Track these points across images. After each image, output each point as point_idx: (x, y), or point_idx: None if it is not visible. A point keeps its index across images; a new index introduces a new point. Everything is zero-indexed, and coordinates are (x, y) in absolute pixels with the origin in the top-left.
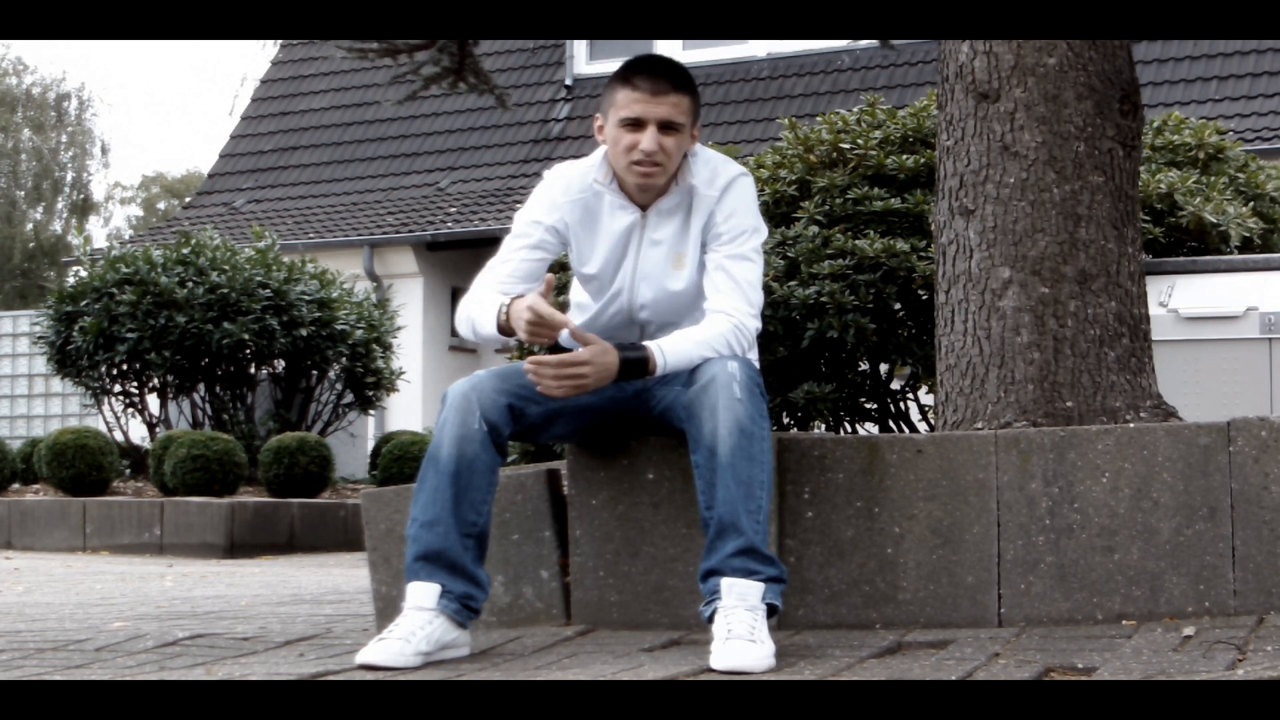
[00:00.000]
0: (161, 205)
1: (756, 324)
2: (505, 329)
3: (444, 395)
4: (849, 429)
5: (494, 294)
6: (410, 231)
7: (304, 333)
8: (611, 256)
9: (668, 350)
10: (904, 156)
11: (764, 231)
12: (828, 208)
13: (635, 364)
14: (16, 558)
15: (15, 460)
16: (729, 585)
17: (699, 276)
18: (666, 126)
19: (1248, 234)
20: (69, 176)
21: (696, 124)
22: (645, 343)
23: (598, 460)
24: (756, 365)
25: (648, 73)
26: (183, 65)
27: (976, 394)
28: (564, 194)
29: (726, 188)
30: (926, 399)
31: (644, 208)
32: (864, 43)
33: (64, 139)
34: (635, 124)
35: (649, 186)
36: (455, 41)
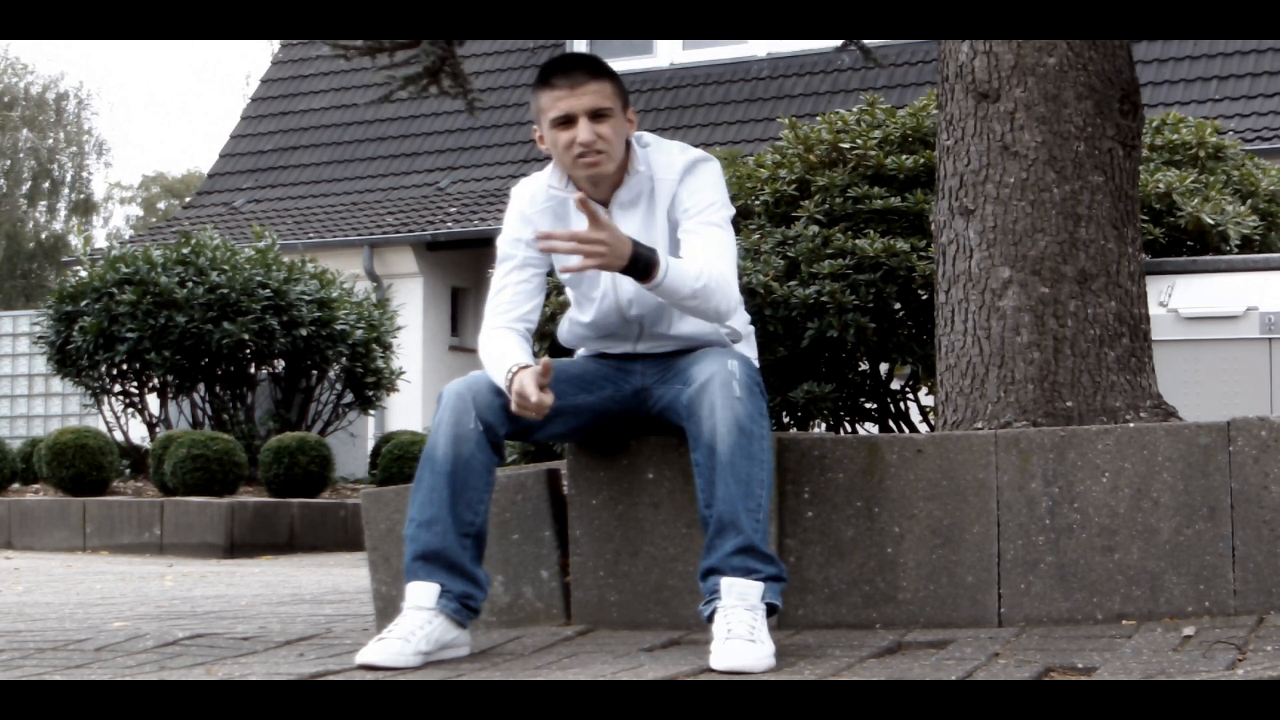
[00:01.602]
0: (161, 205)
1: (735, 284)
2: None
3: (439, 395)
4: (849, 429)
5: (505, 339)
6: (410, 231)
7: (304, 333)
8: None
9: (672, 266)
10: (904, 156)
11: (731, 209)
12: (828, 207)
13: (644, 258)
14: (16, 558)
15: (15, 460)
16: (729, 584)
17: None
18: (596, 115)
19: (1247, 233)
20: (68, 176)
21: (628, 108)
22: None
23: (598, 460)
24: (756, 364)
25: (562, 70)
26: (183, 65)
27: (976, 394)
28: (531, 205)
29: (688, 169)
30: (926, 399)
31: (606, 204)
32: (831, 43)
33: (62, 138)
34: (565, 121)
35: (600, 177)
36: (440, 41)
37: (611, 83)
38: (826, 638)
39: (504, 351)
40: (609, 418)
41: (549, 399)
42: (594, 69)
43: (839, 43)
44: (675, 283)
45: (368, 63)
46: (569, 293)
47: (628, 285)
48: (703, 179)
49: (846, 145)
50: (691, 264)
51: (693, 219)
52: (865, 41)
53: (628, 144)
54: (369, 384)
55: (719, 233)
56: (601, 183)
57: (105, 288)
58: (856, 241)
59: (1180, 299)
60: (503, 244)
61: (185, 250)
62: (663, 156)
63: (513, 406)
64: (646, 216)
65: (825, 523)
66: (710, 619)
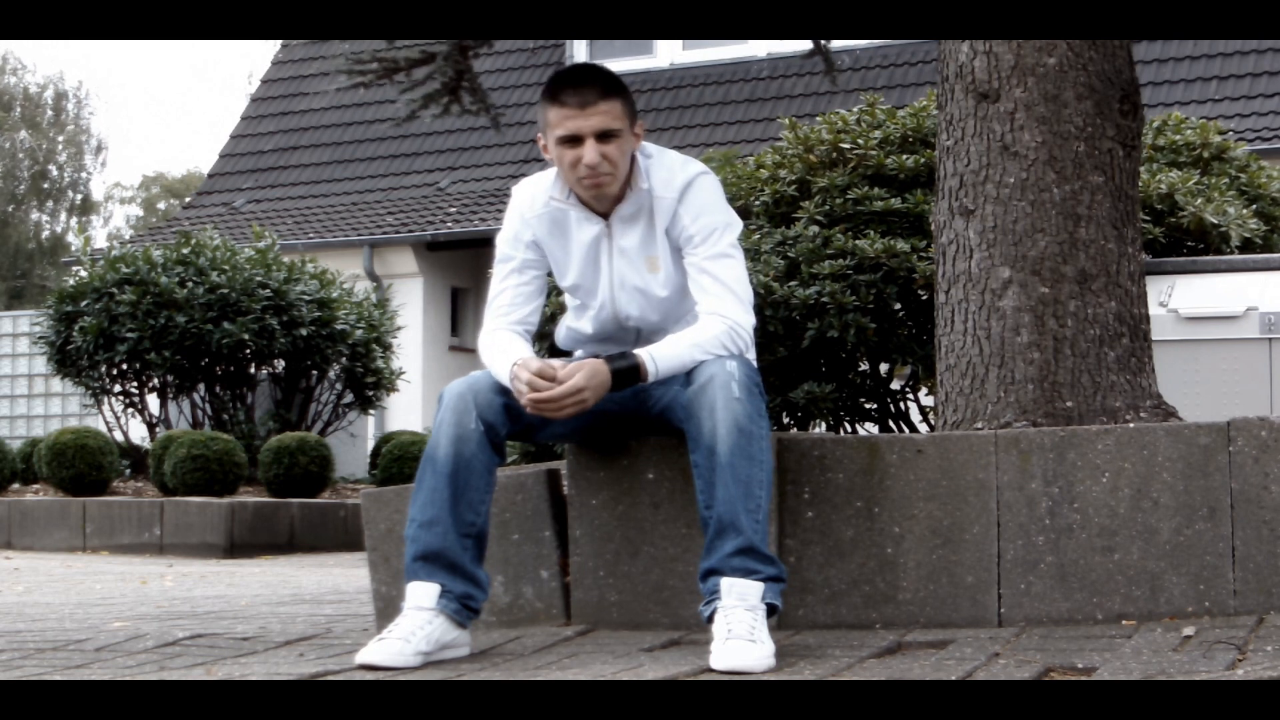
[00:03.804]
0: (161, 205)
1: (751, 320)
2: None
3: (440, 395)
4: (849, 429)
5: (506, 339)
6: (410, 231)
7: (304, 333)
8: (586, 268)
9: (659, 356)
10: (904, 156)
11: (737, 225)
12: (828, 208)
13: (626, 373)
14: (16, 558)
15: (15, 460)
16: (729, 585)
17: (679, 279)
18: (604, 135)
19: (1249, 235)
20: (67, 176)
21: (636, 123)
22: (636, 350)
23: (598, 460)
24: (755, 365)
25: (573, 85)
26: (183, 65)
27: (976, 394)
28: (530, 208)
29: (686, 188)
30: (926, 399)
31: (606, 216)
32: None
33: (60, 138)
34: (572, 140)
35: (603, 195)
36: (454, 55)
37: (622, 101)
38: (826, 638)
39: (504, 350)
40: (609, 418)
41: (551, 369)
42: (606, 88)
43: (809, 45)
44: (670, 368)
45: (371, 85)
46: (567, 296)
47: (624, 297)
48: (702, 198)
49: (846, 145)
50: (686, 342)
51: (699, 249)
52: (833, 45)
53: (633, 157)
54: (369, 384)
55: (729, 264)
56: (604, 198)
57: (105, 288)
58: (857, 242)
59: (1180, 299)
60: (502, 244)
61: (185, 250)
62: (663, 172)
63: (521, 400)
64: (647, 231)
65: (825, 523)
66: (710, 619)
